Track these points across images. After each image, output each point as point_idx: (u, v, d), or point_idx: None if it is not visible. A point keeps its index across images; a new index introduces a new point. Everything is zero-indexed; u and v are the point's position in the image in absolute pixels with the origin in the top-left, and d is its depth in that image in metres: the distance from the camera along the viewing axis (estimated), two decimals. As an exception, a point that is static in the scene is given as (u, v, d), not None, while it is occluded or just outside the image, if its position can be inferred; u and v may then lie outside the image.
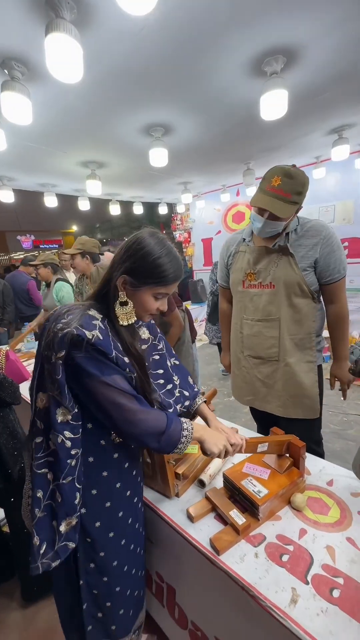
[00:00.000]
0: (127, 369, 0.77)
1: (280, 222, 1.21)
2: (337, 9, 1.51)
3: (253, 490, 0.96)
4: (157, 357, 1.00)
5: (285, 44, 1.70)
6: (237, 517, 0.93)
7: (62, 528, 0.74)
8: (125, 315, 0.79)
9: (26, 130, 2.39)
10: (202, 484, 1.12)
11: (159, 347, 1.01)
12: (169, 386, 0.99)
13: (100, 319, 0.76)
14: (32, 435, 0.77)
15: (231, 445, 0.91)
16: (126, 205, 5.75)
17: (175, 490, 1.09)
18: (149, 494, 1.12)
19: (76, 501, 0.76)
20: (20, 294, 4.16)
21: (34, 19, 1.38)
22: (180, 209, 6.36)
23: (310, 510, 0.97)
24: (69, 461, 0.74)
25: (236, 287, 1.43)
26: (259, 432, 1.72)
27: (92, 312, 0.76)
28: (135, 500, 0.93)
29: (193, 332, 2.32)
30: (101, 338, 0.72)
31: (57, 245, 14.98)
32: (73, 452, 0.74)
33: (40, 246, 14.53)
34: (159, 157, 2.71)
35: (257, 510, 0.92)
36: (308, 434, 1.33)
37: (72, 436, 0.74)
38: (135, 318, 0.81)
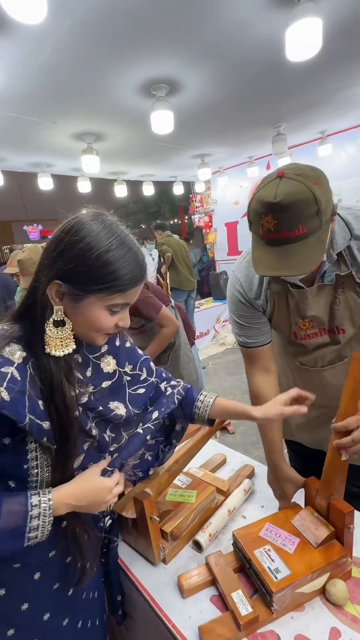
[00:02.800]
0: (45, 438, 0.62)
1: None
2: None
3: (269, 568, 0.80)
4: (142, 390, 0.88)
5: None
6: (242, 603, 0.78)
7: None
8: (60, 342, 0.63)
9: (3, 95, 2.34)
10: (198, 546, 0.99)
11: (142, 378, 0.88)
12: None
13: (17, 358, 0.61)
14: None
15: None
16: (133, 185, 5.68)
17: (162, 555, 0.95)
18: (126, 554, 0.99)
19: None
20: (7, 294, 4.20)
21: None
22: (199, 188, 6.20)
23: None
24: None
25: (283, 340, 1.20)
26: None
27: (7, 351, 0.61)
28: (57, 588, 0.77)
29: (190, 332, 2.24)
30: (7, 399, 0.56)
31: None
32: None
33: (49, 237, 14.94)
34: (162, 121, 2.59)
35: (270, 598, 0.75)
36: None
37: None
38: (74, 346, 0.65)
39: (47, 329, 0.63)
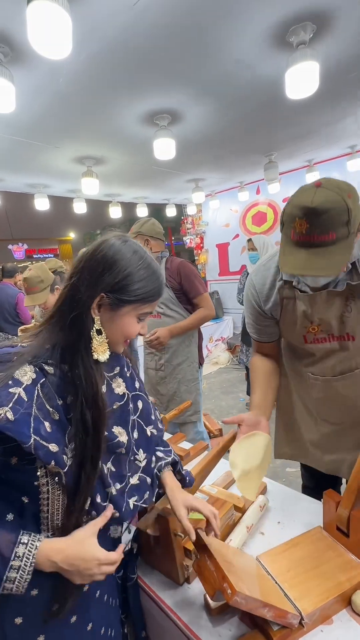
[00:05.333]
0: (53, 462, 0.62)
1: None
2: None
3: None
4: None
5: (315, 8, 1.67)
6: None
7: None
8: (102, 348, 0.71)
9: (11, 121, 2.43)
10: (221, 564, 0.97)
11: (129, 409, 0.85)
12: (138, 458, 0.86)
13: (27, 380, 0.62)
14: None
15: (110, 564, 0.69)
16: (127, 207, 5.81)
17: (185, 574, 0.94)
18: (149, 577, 0.98)
19: None
20: (6, 310, 4.15)
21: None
22: (190, 210, 6.39)
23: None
24: None
25: (294, 342, 1.22)
26: (308, 485, 1.53)
27: (18, 372, 0.62)
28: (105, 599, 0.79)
29: (200, 352, 2.24)
30: (11, 418, 0.57)
31: (52, 255, 15.28)
32: None
33: (34, 256, 14.88)
34: (165, 149, 2.71)
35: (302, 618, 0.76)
36: None
37: None
38: (109, 353, 0.73)
39: (93, 336, 0.69)
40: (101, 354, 0.70)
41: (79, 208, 4.84)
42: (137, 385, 0.91)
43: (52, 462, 0.61)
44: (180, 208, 6.80)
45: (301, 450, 1.36)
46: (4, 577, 0.57)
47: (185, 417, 2.10)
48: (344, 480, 1.38)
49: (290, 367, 1.30)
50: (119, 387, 0.82)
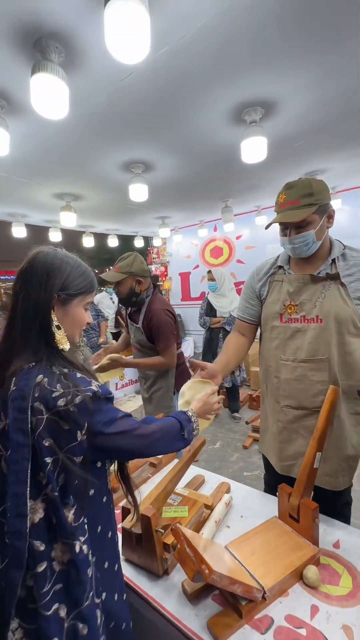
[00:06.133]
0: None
1: (305, 231, 1.15)
2: (309, 73, 1.76)
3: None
4: None
5: (264, 97, 1.94)
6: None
7: None
8: (64, 339, 0.74)
9: (1, 160, 2.44)
10: (194, 554, 1.03)
11: None
12: None
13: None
14: (25, 568, 0.59)
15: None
16: (99, 237, 5.87)
17: (164, 566, 0.99)
18: (130, 572, 1.02)
19: (98, 623, 0.63)
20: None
21: (20, 59, 1.48)
22: (156, 242, 6.59)
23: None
24: (89, 572, 0.63)
25: (271, 322, 1.28)
26: (268, 476, 1.50)
27: (58, 368, 0.70)
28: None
29: (180, 381, 2.08)
30: (99, 388, 0.70)
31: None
32: (91, 557, 0.64)
33: (1, 277, 14.22)
34: (139, 192, 2.85)
35: (264, 592, 0.85)
36: (338, 498, 1.25)
37: (85, 537, 0.64)
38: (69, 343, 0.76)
39: (55, 331, 0.72)
40: (65, 344, 0.74)
41: (54, 237, 4.81)
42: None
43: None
44: (147, 240, 6.99)
45: (267, 443, 1.40)
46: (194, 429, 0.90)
47: None
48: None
49: (266, 357, 1.35)
50: None
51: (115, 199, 3.72)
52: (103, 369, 1.86)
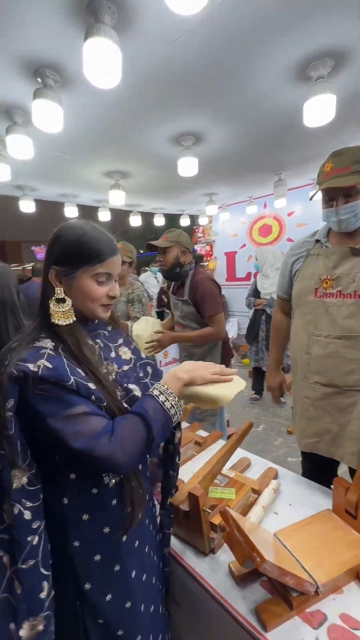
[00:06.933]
0: (93, 396, 0.67)
1: (354, 200, 1.08)
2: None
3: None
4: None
5: (334, 46, 1.70)
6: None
7: (23, 633, 0.61)
8: (62, 314, 0.71)
9: (54, 138, 2.48)
10: (242, 537, 1.01)
11: (140, 375, 0.86)
12: None
13: (49, 344, 0.68)
14: None
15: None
16: (146, 216, 5.86)
17: (211, 545, 0.99)
18: (177, 546, 1.02)
19: (43, 594, 0.64)
20: (35, 306, 4.22)
21: (72, 24, 1.43)
22: (202, 221, 6.42)
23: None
24: (29, 539, 0.63)
25: (305, 297, 1.25)
26: (306, 472, 1.52)
27: (40, 342, 0.68)
28: (146, 550, 0.83)
29: (226, 358, 2.09)
30: (50, 366, 0.63)
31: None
32: (34, 525, 0.64)
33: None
34: (188, 166, 2.75)
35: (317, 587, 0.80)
36: None
37: (32, 505, 0.64)
38: (74, 318, 0.72)
39: (50, 304, 0.71)
40: (59, 319, 0.70)
41: (103, 216, 4.89)
42: (143, 355, 0.93)
43: (93, 397, 0.66)
44: (193, 219, 6.84)
45: (300, 430, 1.36)
46: (165, 408, 0.70)
47: (204, 415, 2.07)
48: (339, 471, 1.40)
49: (297, 333, 1.33)
50: (126, 354, 0.86)
51: (163, 176, 3.64)
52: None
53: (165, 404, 0.70)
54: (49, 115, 1.78)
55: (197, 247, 7.12)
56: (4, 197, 4.07)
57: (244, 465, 1.41)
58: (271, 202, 5.14)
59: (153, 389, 0.72)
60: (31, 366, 0.61)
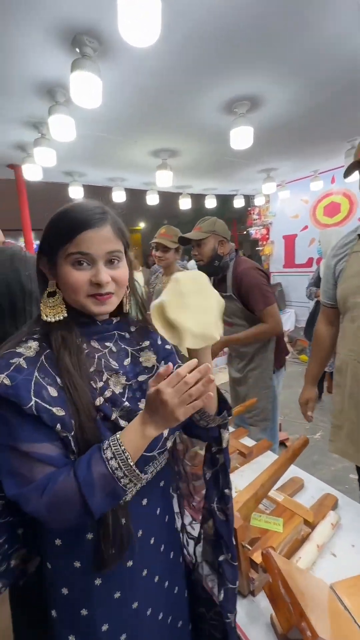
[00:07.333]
0: (59, 425, 0.56)
1: None
2: None
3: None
4: None
5: None
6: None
7: None
8: (50, 310, 0.64)
9: (97, 117, 2.43)
10: (289, 582, 0.86)
11: None
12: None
13: (30, 352, 0.60)
14: None
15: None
16: (196, 199, 5.66)
17: (251, 587, 0.85)
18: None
19: None
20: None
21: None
22: (258, 201, 6.01)
23: None
24: None
25: (352, 298, 1.20)
26: None
27: (23, 346, 0.60)
28: (134, 607, 0.68)
29: (280, 357, 1.91)
30: (8, 383, 0.54)
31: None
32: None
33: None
34: (242, 137, 2.51)
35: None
36: None
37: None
38: (65, 314, 0.64)
39: (42, 298, 0.65)
40: (49, 315, 0.63)
41: (152, 200, 4.82)
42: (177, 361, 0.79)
43: (58, 426, 0.56)
44: (248, 199, 6.45)
45: (345, 438, 1.30)
46: (110, 469, 0.53)
47: (253, 420, 1.91)
48: None
49: (346, 340, 1.28)
50: (148, 360, 0.73)
51: (214, 151, 3.43)
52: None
53: (117, 472, 0.54)
54: (87, 88, 1.72)
55: (252, 230, 6.76)
56: (55, 185, 4.20)
57: (295, 487, 1.24)
58: (340, 176, 4.58)
59: (106, 447, 0.55)
60: None
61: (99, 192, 4.61)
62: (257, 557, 0.86)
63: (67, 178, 4.11)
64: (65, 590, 0.64)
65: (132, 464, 0.54)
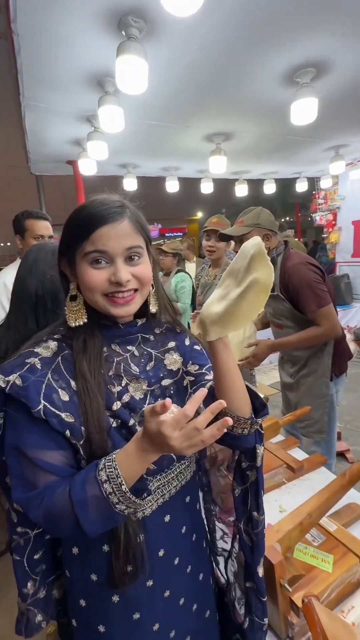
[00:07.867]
0: (68, 431, 0.56)
1: None
2: None
3: None
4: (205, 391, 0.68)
5: None
6: None
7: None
8: (73, 314, 0.62)
9: (144, 104, 2.39)
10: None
11: (207, 377, 0.71)
12: None
13: (48, 352, 0.60)
14: None
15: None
16: (254, 184, 5.39)
17: (290, 631, 0.75)
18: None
19: (25, 590, 0.66)
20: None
21: None
22: (325, 183, 5.50)
23: None
24: (16, 557, 0.65)
25: None
26: None
27: (42, 346, 0.61)
28: (155, 629, 0.64)
29: (340, 362, 1.72)
30: (20, 384, 0.54)
31: (181, 234, 16.12)
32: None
33: (167, 235, 15.95)
34: (305, 110, 2.28)
35: None
36: None
37: (22, 528, 0.65)
38: (85, 319, 0.62)
39: (66, 303, 0.64)
40: (72, 320, 0.62)
41: (206, 188, 4.71)
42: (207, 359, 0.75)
43: (67, 432, 0.56)
44: (313, 182, 5.96)
45: None
46: (104, 492, 0.50)
47: (306, 430, 1.73)
48: None
49: None
50: (174, 363, 0.71)
51: (273, 130, 3.20)
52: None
53: (111, 497, 0.49)
54: (133, 72, 1.68)
55: (317, 216, 6.25)
56: (109, 178, 4.31)
57: (352, 515, 1.08)
58: None
59: (101, 468, 0.51)
60: (1, 381, 0.55)
61: (156, 184, 4.66)
62: (299, 600, 0.76)
63: (121, 170, 4.19)
64: (82, 602, 0.63)
65: (125, 490, 0.49)
